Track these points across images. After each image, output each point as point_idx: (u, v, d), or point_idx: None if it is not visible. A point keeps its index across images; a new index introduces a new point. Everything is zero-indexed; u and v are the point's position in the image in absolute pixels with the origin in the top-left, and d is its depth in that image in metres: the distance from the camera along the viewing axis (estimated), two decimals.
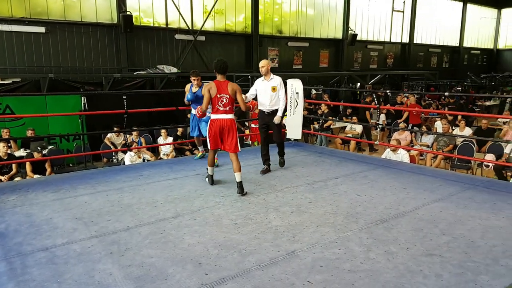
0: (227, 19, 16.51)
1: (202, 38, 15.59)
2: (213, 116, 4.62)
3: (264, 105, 5.53)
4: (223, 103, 4.56)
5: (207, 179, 4.93)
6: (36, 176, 7.06)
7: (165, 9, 14.73)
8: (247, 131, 10.41)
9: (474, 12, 28.22)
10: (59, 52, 12.51)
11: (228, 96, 4.57)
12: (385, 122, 12.33)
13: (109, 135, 9.13)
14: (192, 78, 5.78)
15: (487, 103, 17.57)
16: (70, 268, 2.86)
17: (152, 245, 3.23)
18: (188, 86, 5.87)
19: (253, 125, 10.13)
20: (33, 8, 12.02)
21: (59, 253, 3.10)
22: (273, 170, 5.57)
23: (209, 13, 15.58)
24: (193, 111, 5.80)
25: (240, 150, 4.68)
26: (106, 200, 4.33)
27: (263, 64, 5.51)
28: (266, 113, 5.55)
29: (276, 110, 5.52)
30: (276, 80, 5.54)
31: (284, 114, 5.71)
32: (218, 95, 4.55)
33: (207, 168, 4.90)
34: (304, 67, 19.11)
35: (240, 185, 4.53)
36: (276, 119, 5.49)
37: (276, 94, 5.49)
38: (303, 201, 4.28)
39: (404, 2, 23.15)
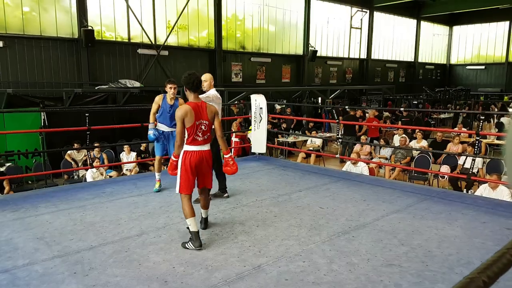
0: (191, 34, 16.59)
1: (166, 52, 15.56)
2: (189, 148, 3.58)
3: None
4: (202, 131, 3.58)
5: (189, 243, 3.49)
6: None
7: (127, 23, 14.62)
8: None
9: (427, 29, 29.74)
10: (17, 67, 12.12)
11: (207, 123, 3.61)
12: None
13: (69, 151, 8.90)
14: (169, 86, 5.06)
15: (442, 115, 18.48)
16: None
17: (116, 264, 3.19)
18: (159, 98, 5.15)
19: (236, 139, 10.21)
20: None
21: (20, 274, 3.01)
22: (238, 185, 5.62)
23: (172, 28, 15.61)
24: (161, 127, 5.23)
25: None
26: (68, 218, 4.24)
27: (205, 78, 4.74)
28: None
29: None
30: (208, 94, 4.69)
31: (248, 129, 5.75)
32: (197, 122, 3.53)
33: (188, 228, 3.56)
34: (267, 82, 19.43)
35: (206, 220, 3.98)
36: None
37: None
38: (268, 215, 4.35)
39: (361, 19, 24.10)
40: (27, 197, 5.05)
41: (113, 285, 2.88)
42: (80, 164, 8.84)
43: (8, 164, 8.42)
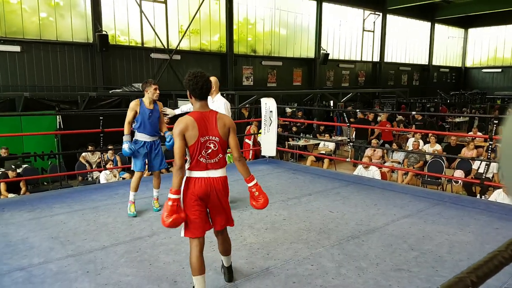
0: (202, 38, 16.73)
1: (178, 57, 15.72)
2: (192, 174, 2.66)
3: None
4: (209, 151, 2.63)
5: None
6: (10, 195, 6.97)
7: (141, 28, 14.83)
8: None
9: (442, 32, 29.42)
10: (34, 71, 12.39)
11: (217, 140, 2.65)
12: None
13: (84, 153, 9.07)
14: (154, 87, 4.41)
15: (457, 119, 18.26)
16: None
17: (128, 263, 3.26)
18: (136, 104, 4.39)
19: (247, 141, 10.26)
20: (8, 28, 11.92)
21: (36, 272, 3.11)
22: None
23: (185, 33, 15.77)
24: (141, 137, 4.49)
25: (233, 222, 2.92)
26: (82, 219, 4.33)
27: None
28: None
29: None
30: (218, 102, 4.41)
31: (258, 132, 5.73)
32: (202, 139, 2.61)
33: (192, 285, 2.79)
34: (278, 85, 19.46)
35: (229, 270, 2.98)
36: None
37: None
38: (277, 218, 4.38)
39: (374, 22, 23.98)
40: (42, 198, 5.17)
41: (124, 284, 2.95)
42: (94, 166, 8.99)
43: (24, 166, 8.62)
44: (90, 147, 8.91)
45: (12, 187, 7.34)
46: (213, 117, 2.67)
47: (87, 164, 8.98)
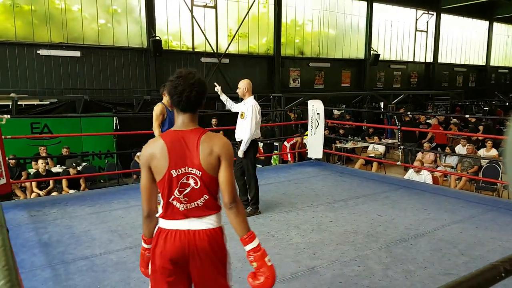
0: (250, 41, 16.97)
1: (226, 60, 16.04)
2: (165, 224, 1.81)
3: (236, 133, 4.55)
4: (186, 190, 1.78)
5: None
6: (71, 191, 7.50)
7: (192, 33, 15.31)
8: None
9: (501, 31, 27.86)
10: (93, 75, 13.17)
11: (199, 174, 1.77)
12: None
13: (138, 153, 9.53)
14: None
15: None
16: (108, 276, 3.12)
17: None
18: (162, 108, 4.44)
19: (285, 143, 10.28)
20: (70, 34, 12.77)
21: (97, 262, 3.36)
22: (293, 189, 5.70)
23: (233, 37, 16.08)
24: None
25: None
26: (139, 214, 4.57)
27: (239, 85, 4.46)
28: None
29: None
30: (247, 104, 4.39)
31: (304, 134, 5.73)
32: (174, 172, 1.76)
33: None
34: (326, 87, 19.29)
35: None
36: (238, 153, 4.44)
37: (243, 122, 4.38)
38: (323, 220, 4.41)
39: (427, 22, 23.17)
40: (101, 194, 5.54)
41: None
42: None
43: (83, 164, 9.21)
44: None
45: (73, 184, 7.89)
46: (195, 138, 1.78)
47: None
